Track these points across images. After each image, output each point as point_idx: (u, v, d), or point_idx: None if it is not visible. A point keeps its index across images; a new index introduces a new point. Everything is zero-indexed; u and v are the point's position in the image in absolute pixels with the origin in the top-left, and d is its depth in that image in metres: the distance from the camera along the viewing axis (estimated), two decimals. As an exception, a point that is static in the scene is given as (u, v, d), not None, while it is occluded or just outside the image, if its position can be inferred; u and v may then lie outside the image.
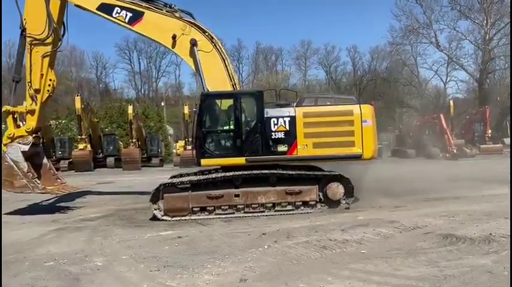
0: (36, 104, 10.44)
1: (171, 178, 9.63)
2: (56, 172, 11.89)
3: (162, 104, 53.70)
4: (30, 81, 10.35)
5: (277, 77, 72.69)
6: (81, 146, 29.81)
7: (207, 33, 9.94)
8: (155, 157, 34.10)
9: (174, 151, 35.71)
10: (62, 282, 4.91)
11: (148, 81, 78.73)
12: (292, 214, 8.79)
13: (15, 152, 9.93)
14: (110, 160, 32.10)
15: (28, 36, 10.20)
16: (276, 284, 4.56)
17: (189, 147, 31.69)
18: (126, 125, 33.84)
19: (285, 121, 9.13)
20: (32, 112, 10.43)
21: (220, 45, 10.06)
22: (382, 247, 5.92)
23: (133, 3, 10.09)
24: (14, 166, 9.79)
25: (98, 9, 10.14)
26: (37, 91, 10.38)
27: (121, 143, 35.19)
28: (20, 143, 10.14)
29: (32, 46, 10.26)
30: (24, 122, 10.58)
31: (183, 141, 32.30)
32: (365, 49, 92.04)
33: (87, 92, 67.64)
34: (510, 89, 39.05)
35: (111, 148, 33.62)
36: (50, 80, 10.55)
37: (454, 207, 8.96)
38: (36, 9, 10.19)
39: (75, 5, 10.35)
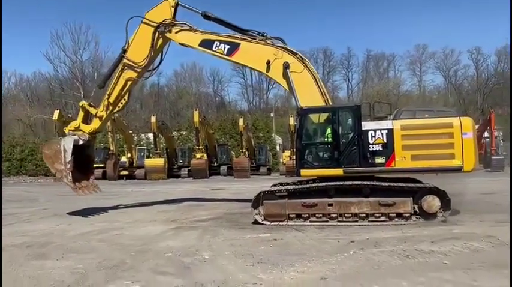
0: (106, 113, 12.48)
1: (272, 186, 10.54)
2: (94, 179, 13.19)
3: (272, 115, 55.79)
4: (110, 94, 12.36)
5: (387, 84, 70.22)
6: (198, 155, 32.74)
7: (297, 55, 10.75)
8: (263, 166, 35.92)
9: (281, 160, 37.02)
10: (177, 269, 6.07)
11: (260, 93, 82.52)
12: (386, 224, 8.98)
13: (69, 142, 11.76)
14: (223, 168, 34.83)
15: (126, 59, 12.00)
16: (352, 285, 5.06)
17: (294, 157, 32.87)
18: (238, 136, 36.26)
19: (382, 134, 9.41)
20: (100, 117, 12.53)
21: (310, 65, 10.80)
22: (468, 260, 5.95)
23: (230, 36, 11.32)
24: (62, 152, 11.59)
25: (199, 45, 11.53)
26: (111, 104, 12.41)
27: (233, 152, 37.79)
28: (78, 137, 12.10)
29: (124, 68, 12.12)
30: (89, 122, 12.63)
31: (289, 151, 33.48)
32: (490, 50, 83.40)
33: (205, 105, 73.63)
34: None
35: (224, 157, 36.35)
36: (124, 99, 12.59)
37: None
38: (143, 39, 11.83)
39: (179, 43, 11.79)
